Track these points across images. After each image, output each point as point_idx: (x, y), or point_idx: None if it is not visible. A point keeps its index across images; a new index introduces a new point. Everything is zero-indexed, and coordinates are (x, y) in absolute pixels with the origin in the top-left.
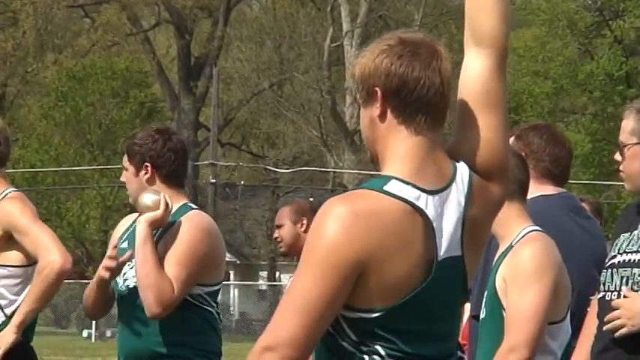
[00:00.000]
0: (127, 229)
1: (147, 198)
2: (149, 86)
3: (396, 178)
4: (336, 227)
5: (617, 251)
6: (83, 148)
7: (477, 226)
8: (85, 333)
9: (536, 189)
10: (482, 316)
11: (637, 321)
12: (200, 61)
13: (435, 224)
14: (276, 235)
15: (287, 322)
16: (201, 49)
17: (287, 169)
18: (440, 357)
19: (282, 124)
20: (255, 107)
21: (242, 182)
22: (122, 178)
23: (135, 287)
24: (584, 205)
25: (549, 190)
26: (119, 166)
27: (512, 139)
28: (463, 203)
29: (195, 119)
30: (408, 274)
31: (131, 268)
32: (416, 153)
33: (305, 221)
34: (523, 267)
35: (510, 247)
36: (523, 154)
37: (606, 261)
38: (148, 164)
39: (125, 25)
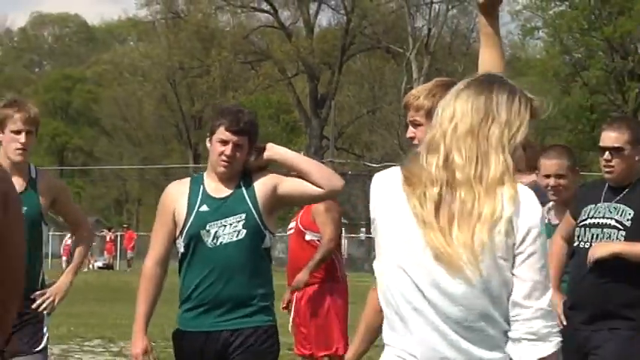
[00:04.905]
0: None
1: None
2: (291, 112)
3: None
4: None
5: (586, 216)
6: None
7: None
8: None
9: None
10: None
11: (600, 251)
12: (323, 96)
13: None
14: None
15: None
16: (323, 89)
17: (378, 164)
18: None
19: (375, 136)
20: (357, 126)
21: (349, 172)
22: None
23: (229, 243)
24: None
25: None
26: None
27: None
28: None
29: (320, 133)
30: None
31: (225, 226)
32: None
33: None
34: None
35: None
36: None
37: (579, 221)
38: None
39: (277, 74)
